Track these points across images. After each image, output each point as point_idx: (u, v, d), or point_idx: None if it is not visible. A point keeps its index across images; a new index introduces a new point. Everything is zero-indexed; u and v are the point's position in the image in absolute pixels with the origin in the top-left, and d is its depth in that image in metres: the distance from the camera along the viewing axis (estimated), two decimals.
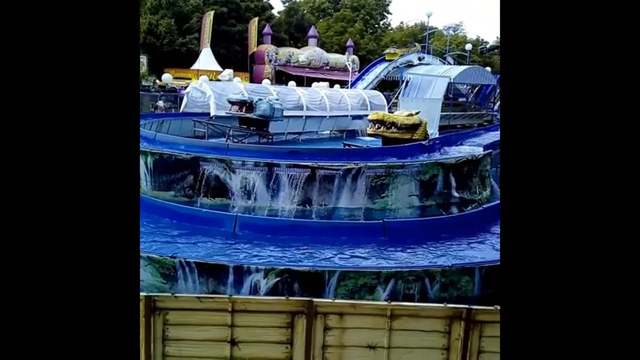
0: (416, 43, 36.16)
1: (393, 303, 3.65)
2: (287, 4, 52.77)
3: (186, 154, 7.74)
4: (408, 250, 6.18)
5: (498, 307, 3.32)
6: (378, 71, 30.79)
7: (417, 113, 11.14)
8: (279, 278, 4.84)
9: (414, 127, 10.71)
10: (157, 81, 29.64)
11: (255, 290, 4.85)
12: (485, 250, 6.17)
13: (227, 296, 3.67)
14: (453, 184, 7.92)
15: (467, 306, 3.55)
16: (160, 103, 21.55)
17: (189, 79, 29.29)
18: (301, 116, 18.26)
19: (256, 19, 41.44)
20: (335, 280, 4.80)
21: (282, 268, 4.92)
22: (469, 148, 10.10)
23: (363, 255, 6.00)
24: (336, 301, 3.73)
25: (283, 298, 3.67)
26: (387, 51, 34.37)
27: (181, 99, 19.16)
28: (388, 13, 61.17)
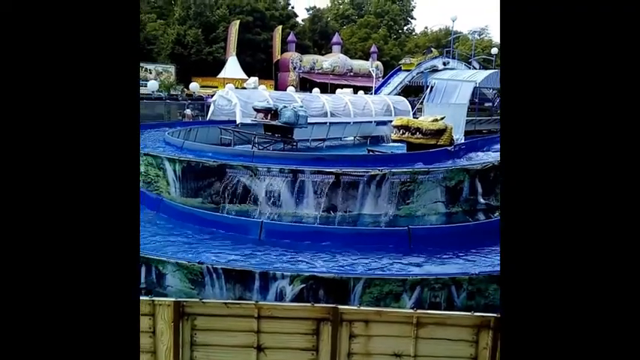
0: (432, 49, 35.73)
1: (419, 311, 3.62)
2: (311, 12, 53.14)
3: (214, 161, 7.88)
4: (434, 257, 6.12)
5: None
6: (402, 77, 30.66)
7: (442, 118, 11.04)
8: (304, 285, 4.87)
9: (439, 133, 10.61)
10: (185, 89, 30.27)
11: (280, 297, 4.89)
12: None
13: (253, 302, 3.72)
14: (480, 190, 7.80)
15: (495, 314, 3.50)
16: (188, 111, 21.99)
17: (216, 87, 29.79)
18: (325, 123, 18.34)
19: (280, 27, 41.90)
20: (360, 287, 4.79)
21: (308, 274, 4.95)
22: (495, 154, 9.94)
23: (388, 262, 5.97)
24: (362, 308, 3.73)
25: (309, 304, 3.69)
26: (403, 61, 34.04)
27: (208, 107, 19.53)
28: (412, 18, 60.84)
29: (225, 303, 3.75)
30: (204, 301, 3.77)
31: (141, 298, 4.01)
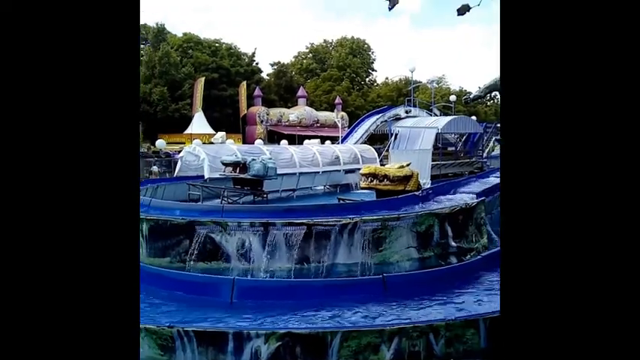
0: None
1: None
2: (275, 67, 54.85)
3: (182, 218, 7.73)
4: (410, 304, 6.07)
5: None
6: (367, 126, 31.53)
7: (408, 164, 11.32)
8: (280, 342, 4.70)
9: (406, 179, 10.84)
10: (151, 147, 30.09)
11: (256, 357, 4.69)
12: (490, 300, 6.07)
13: None
14: (450, 233, 7.90)
15: None
16: (155, 169, 21.76)
17: (183, 143, 29.79)
18: (295, 173, 18.47)
19: (245, 82, 42.89)
20: (338, 341, 4.66)
21: (283, 331, 4.79)
22: (463, 196, 10.19)
23: (364, 312, 5.87)
24: None
25: None
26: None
27: (175, 163, 19.39)
28: (373, 70, 63.70)
29: None
30: None
31: None
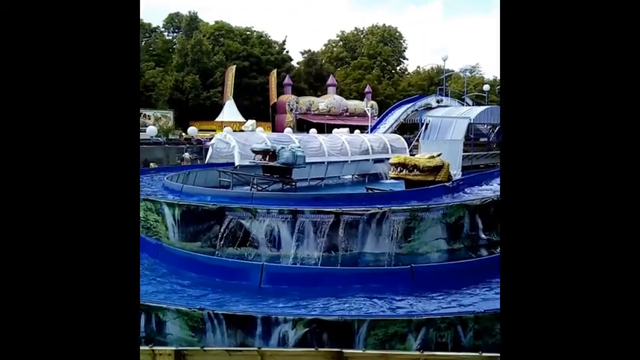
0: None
1: (425, 352, 3.54)
2: (305, 55, 54.71)
3: (213, 204, 7.88)
4: (439, 296, 6.02)
5: None
6: (397, 115, 31.20)
7: (438, 155, 11.15)
8: (307, 329, 4.76)
9: (436, 169, 10.69)
10: (183, 134, 30.67)
11: (283, 342, 4.77)
12: None
13: (256, 349, 3.63)
14: (480, 225, 7.78)
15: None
16: (186, 155, 22.19)
17: (214, 130, 30.23)
18: (323, 162, 18.49)
19: (275, 70, 42.99)
20: (365, 330, 4.69)
21: (311, 318, 4.85)
22: (495, 188, 9.98)
23: (392, 302, 5.86)
24: (367, 351, 3.64)
25: (313, 349, 3.61)
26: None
27: (206, 150, 19.73)
28: (404, 58, 62.64)
29: (227, 350, 3.66)
30: (205, 349, 3.68)
31: (141, 347, 3.91)
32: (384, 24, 60.59)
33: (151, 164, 16.95)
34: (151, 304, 5.29)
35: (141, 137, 25.87)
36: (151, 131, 26.16)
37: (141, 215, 8.22)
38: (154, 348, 3.65)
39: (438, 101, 30.77)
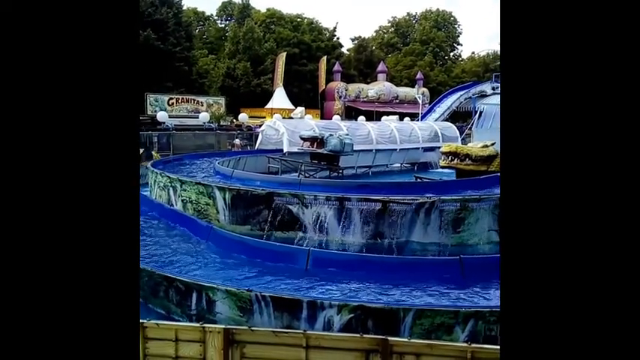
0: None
1: (473, 345, 3.45)
2: (356, 42, 54.13)
3: (262, 189, 8.03)
4: (488, 289, 5.85)
5: None
6: (450, 103, 30.31)
7: (492, 144, 10.76)
8: (352, 315, 4.78)
9: (489, 159, 10.33)
10: (234, 120, 31.35)
11: (328, 326, 4.82)
12: None
13: (301, 332, 3.69)
14: None
15: None
16: (237, 141, 22.69)
17: (264, 117, 30.67)
18: (371, 150, 18.34)
19: (325, 57, 42.87)
20: (410, 319, 4.65)
21: (356, 304, 4.86)
22: None
23: (439, 292, 5.77)
24: (412, 340, 3.60)
25: (357, 335, 3.61)
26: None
27: (256, 137, 20.08)
28: (458, 44, 60.62)
29: (274, 331, 3.74)
30: (253, 329, 3.78)
31: (192, 324, 4.09)
32: (438, 9, 58.82)
33: (154, 154, 16.86)
34: (201, 283, 5.49)
35: (194, 123, 26.74)
36: (203, 117, 26.93)
37: (193, 198, 8.52)
38: (205, 325, 3.79)
39: (493, 88, 29.56)
